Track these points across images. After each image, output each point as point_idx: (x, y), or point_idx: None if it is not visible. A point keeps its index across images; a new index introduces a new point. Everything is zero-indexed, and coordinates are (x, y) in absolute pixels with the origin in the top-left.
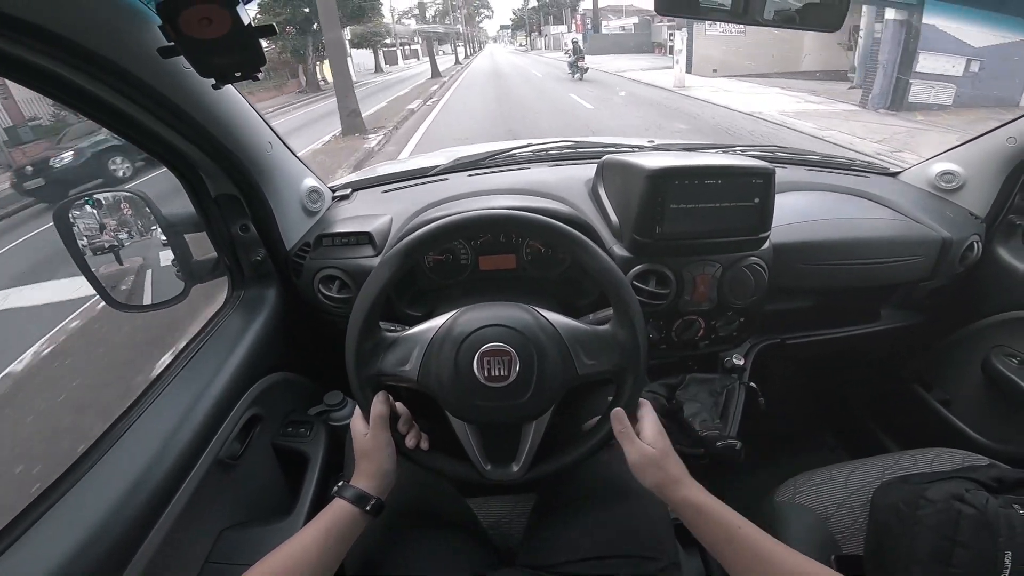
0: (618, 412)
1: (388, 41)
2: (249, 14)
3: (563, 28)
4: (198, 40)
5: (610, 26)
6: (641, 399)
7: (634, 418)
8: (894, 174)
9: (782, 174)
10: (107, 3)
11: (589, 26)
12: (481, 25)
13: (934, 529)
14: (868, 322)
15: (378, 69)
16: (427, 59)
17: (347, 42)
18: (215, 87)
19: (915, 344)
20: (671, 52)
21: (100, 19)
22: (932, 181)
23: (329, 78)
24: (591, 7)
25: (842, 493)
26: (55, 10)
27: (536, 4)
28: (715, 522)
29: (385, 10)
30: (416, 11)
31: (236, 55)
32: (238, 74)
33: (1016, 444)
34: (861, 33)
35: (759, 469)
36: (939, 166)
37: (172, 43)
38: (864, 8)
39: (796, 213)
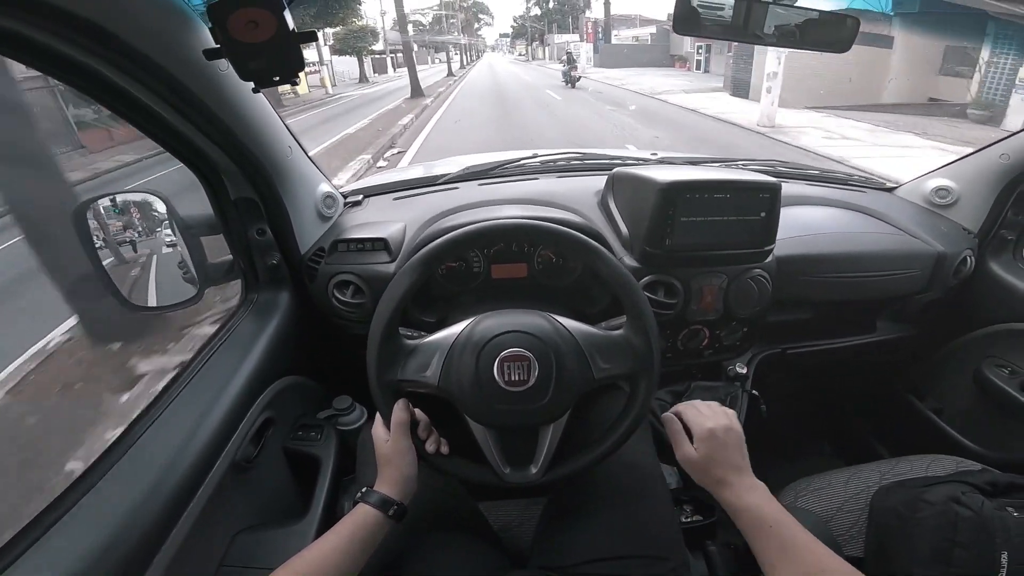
0: (668, 416)
1: (379, 48)
2: (292, 20)
3: (568, 37)
4: (243, 43)
5: (620, 36)
6: (698, 402)
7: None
8: (890, 189)
9: (784, 188)
10: (154, 3)
11: (600, 36)
12: (480, 33)
13: (934, 530)
14: (864, 333)
15: (363, 79)
16: (426, 66)
17: (327, 47)
18: (254, 90)
19: (909, 355)
20: (698, 68)
21: (147, 18)
22: (927, 196)
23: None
24: (602, 15)
25: (842, 497)
26: (105, 5)
27: (539, 12)
28: (748, 525)
29: (375, 13)
30: (411, 17)
31: (277, 59)
32: (277, 78)
33: (1007, 451)
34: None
35: (761, 475)
36: (934, 182)
37: (218, 45)
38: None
39: (798, 227)
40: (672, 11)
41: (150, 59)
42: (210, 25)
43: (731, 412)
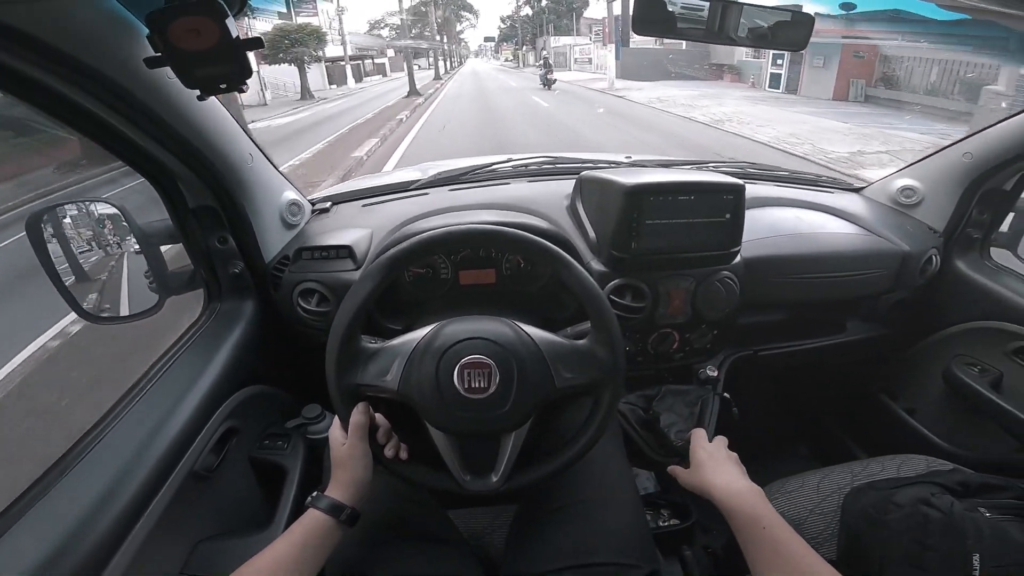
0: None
1: (327, 54)
2: (236, 27)
3: (569, 40)
4: (185, 51)
5: (636, 40)
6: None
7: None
8: (858, 190)
9: (752, 190)
10: (94, 12)
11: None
12: (462, 36)
13: (903, 533)
14: (834, 334)
15: (305, 95)
16: (399, 74)
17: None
18: (200, 98)
19: (880, 355)
20: (774, 85)
21: (86, 27)
22: (893, 196)
23: None
24: (601, 14)
25: (814, 499)
26: (40, 17)
27: (530, 11)
28: (742, 525)
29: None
30: (388, 19)
31: (222, 67)
32: (223, 86)
33: (978, 450)
34: None
35: None
36: (900, 182)
37: (159, 54)
38: None
39: (766, 228)
40: (632, 11)
41: (92, 68)
42: (148, 33)
43: (733, 456)
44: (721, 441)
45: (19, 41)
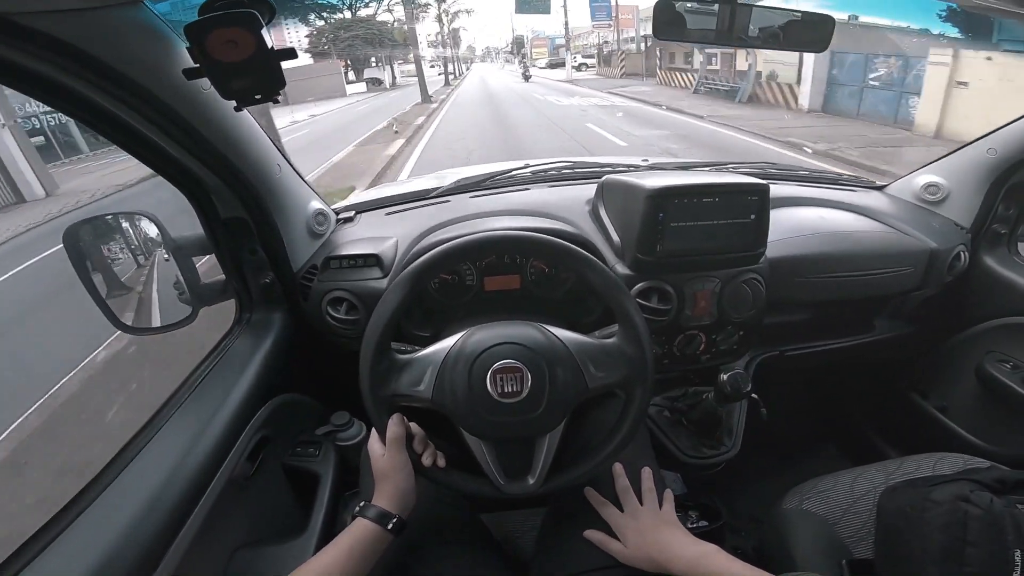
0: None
1: None
2: (271, 38)
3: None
4: (222, 62)
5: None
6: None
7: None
8: (881, 187)
9: (774, 190)
10: (132, 22)
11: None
12: (472, 44)
13: (942, 530)
14: (862, 333)
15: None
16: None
17: None
18: (236, 109)
19: (910, 353)
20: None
21: (125, 38)
22: (917, 193)
23: None
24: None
25: (848, 499)
26: (81, 27)
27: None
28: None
29: None
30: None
31: (257, 78)
32: (258, 96)
33: (1014, 446)
34: None
35: (765, 479)
36: (923, 178)
37: (197, 65)
38: None
39: (790, 228)
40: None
41: (132, 80)
42: (187, 45)
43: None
44: (648, 508)
45: (60, 51)
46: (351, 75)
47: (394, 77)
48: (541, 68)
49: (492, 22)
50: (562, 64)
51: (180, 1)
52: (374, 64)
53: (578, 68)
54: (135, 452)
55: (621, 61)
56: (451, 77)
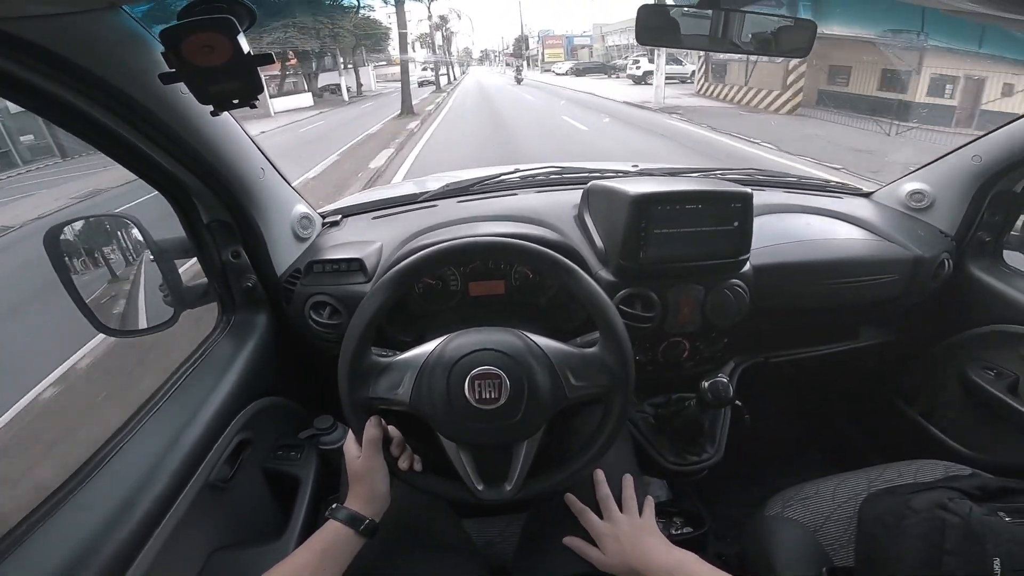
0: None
1: None
2: (248, 43)
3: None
4: (199, 67)
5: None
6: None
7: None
8: (867, 194)
9: (760, 197)
10: (111, 27)
11: None
12: (468, 46)
13: (920, 538)
14: (847, 340)
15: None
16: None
17: None
18: (213, 114)
19: (894, 360)
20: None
21: (104, 43)
22: (903, 201)
23: None
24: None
25: (830, 506)
26: (60, 32)
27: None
28: None
29: None
30: None
31: (235, 82)
32: (236, 101)
33: (996, 453)
34: None
35: (748, 485)
36: (909, 186)
37: (174, 69)
38: None
39: (775, 235)
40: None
41: (111, 84)
42: (162, 50)
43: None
44: (627, 516)
45: (38, 56)
46: (292, 83)
47: (359, 84)
48: (561, 75)
49: (493, 22)
50: (602, 71)
51: (159, 6)
52: (332, 69)
53: (640, 80)
54: (111, 453)
55: (794, 82)
56: (444, 82)
